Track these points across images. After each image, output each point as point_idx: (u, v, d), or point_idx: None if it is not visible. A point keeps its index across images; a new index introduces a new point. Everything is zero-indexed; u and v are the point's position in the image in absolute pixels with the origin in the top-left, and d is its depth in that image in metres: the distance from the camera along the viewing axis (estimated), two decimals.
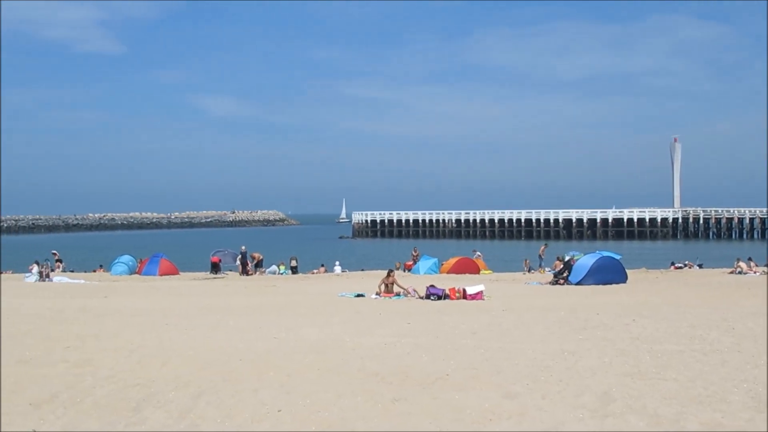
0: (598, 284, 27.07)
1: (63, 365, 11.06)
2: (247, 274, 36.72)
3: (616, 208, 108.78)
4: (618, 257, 31.04)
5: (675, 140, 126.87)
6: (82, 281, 32.35)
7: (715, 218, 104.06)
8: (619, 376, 9.97)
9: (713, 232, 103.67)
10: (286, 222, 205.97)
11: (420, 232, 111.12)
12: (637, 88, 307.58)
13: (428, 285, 22.72)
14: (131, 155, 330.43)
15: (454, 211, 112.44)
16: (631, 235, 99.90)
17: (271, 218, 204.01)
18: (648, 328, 14.31)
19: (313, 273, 38.80)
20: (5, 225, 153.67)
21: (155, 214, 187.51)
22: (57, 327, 15.26)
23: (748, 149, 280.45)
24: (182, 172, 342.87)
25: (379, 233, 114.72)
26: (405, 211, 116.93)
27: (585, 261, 28.86)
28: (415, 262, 38.33)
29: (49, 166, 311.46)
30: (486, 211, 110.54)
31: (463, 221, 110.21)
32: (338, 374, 10.28)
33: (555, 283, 28.42)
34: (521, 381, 9.75)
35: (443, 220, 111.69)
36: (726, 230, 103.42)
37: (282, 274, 38.27)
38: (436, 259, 37.47)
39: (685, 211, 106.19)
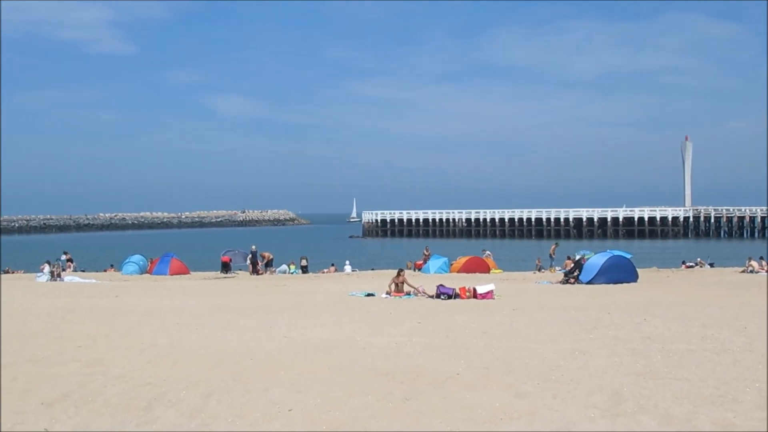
0: (609, 283, 27.01)
1: (74, 364, 11.11)
2: (258, 274, 36.79)
3: (626, 207, 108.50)
4: (629, 256, 30.93)
5: (686, 139, 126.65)
6: (93, 281, 32.48)
7: (727, 217, 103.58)
8: (630, 376, 9.94)
9: (724, 231, 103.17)
10: (296, 221, 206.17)
11: (430, 231, 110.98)
12: (650, 86, 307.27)
13: (438, 284, 22.71)
14: (142, 155, 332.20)
15: (464, 211, 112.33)
16: (642, 234, 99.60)
17: (282, 218, 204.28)
18: (659, 328, 14.26)
19: (324, 272, 38.85)
20: (17, 225, 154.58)
21: (166, 214, 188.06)
22: (68, 326, 15.32)
23: (759, 148, 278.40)
24: (193, 172, 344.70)
25: (389, 233, 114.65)
26: (415, 210, 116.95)
27: (596, 260, 28.80)
28: (425, 262, 38.33)
29: (60, 166, 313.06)
30: (496, 211, 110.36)
31: (473, 220, 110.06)
32: (349, 373, 10.28)
33: (566, 282, 28.36)
34: (532, 380, 9.72)
35: (453, 220, 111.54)
36: (737, 229, 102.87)
37: (292, 273, 38.33)
38: (446, 259, 37.46)
39: (696, 209, 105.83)
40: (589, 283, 27.30)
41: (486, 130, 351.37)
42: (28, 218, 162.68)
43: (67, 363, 11.22)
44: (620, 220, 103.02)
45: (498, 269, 37.70)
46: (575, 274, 28.53)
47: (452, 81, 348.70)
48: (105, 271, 40.56)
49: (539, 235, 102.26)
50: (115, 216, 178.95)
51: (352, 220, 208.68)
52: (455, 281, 26.48)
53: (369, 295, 22.98)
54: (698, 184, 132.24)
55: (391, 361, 11.06)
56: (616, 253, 30.73)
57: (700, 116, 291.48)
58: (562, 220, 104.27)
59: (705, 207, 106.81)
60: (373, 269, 40.95)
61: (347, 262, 42.08)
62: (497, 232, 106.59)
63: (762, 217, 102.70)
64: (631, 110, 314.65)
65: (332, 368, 10.63)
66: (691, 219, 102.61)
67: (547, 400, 8.77)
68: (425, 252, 40.47)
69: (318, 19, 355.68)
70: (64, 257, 39.76)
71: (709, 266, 39.94)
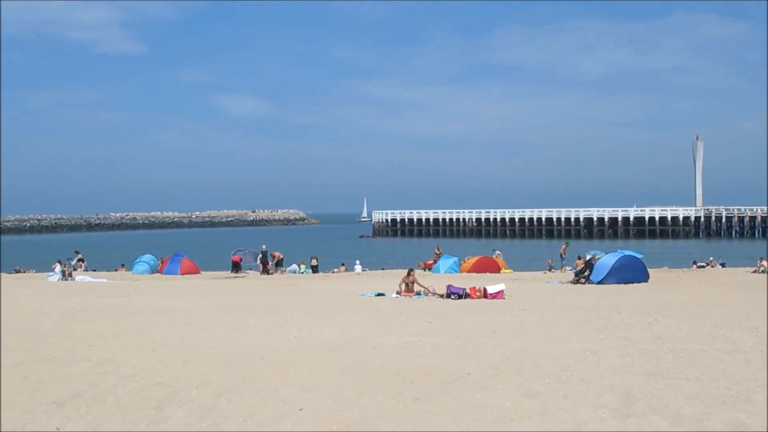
0: (620, 283, 26.92)
1: (86, 364, 11.15)
2: (268, 273, 36.85)
3: (637, 206, 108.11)
4: (640, 256, 30.83)
5: (697, 138, 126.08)
6: (105, 280, 32.61)
7: (738, 217, 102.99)
8: (641, 376, 9.90)
9: (736, 231, 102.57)
10: (306, 221, 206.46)
11: (440, 231, 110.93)
12: (659, 85, 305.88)
13: (448, 284, 22.69)
14: (152, 155, 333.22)
15: (474, 210, 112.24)
16: (653, 234, 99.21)
17: (292, 217, 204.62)
18: (670, 328, 14.21)
19: (334, 272, 38.87)
20: (29, 224, 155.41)
21: (176, 214, 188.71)
22: (79, 326, 15.38)
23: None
24: (203, 172, 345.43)
25: (399, 232, 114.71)
26: (425, 210, 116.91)
27: (606, 260, 28.71)
28: (436, 261, 38.31)
29: (71, 166, 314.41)
30: (506, 210, 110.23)
31: (483, 220, 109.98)
32: (359, 373, 10.28)
33: (576, 282, 28.30)
34: (543, 380, 9.70)
35: (463, 219, 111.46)
36: (749, 229, 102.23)
37: (302, 273, 38.37)
38: (456, 258, 37.45)
39: (708, 209, 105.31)
40: (599, 283, 27.23)
41: (494, 130, 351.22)
42: (39, 218, 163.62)
43: (78, 362, 11.26)
44: (631, 219, 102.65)
45: (508, 269, 37.66)
46: (586, 274, 28.46)
47: (459, 81, 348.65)
48: (116, 270, 40.71)
49: (549, 234, 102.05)
50: (126, 216, 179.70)
51: (362, 219, 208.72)
52: (465, 281, 26.46)
53: (379, 294, 22.98)
54: (709, 184, 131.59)
55: (401, 361, 11.06)
56: (627, 253, 30.64)
57: (711, 116, 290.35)
58: (572, 219, 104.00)
59: (716, 207, 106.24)
60: (383, 269, 40.94)
61: (357, 261, 42.10)
62: (507, 232, 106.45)
63: None
64: (641, 110, 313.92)
65: (342, 368, 10.63)
66: (702, 219, 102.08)
67: (558, 400, 8.74)
68: (436, 251, 40.45)
69: (325, 20, 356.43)
70: (75, 257, 39.93)
71: (720, 266, 39.78)
